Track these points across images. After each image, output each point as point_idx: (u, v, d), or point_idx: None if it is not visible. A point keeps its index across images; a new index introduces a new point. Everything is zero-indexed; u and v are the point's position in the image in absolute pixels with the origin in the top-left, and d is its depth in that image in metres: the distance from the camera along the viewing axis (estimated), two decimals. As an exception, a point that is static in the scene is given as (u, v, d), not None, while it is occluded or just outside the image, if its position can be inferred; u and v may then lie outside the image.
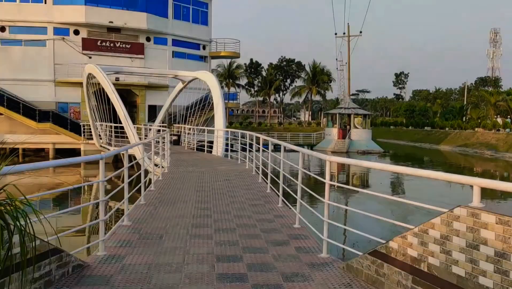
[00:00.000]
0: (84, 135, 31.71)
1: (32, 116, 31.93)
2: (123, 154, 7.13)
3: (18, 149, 33.38)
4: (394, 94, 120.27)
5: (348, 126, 46.67)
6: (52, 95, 33.93)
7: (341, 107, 48.25)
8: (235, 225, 6.68)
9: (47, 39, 33.54)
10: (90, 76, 24.71)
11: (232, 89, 71.90)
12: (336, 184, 6.21)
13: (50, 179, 26.72)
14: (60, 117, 33.04)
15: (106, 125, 26.12)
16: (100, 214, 5.16)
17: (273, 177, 9.54)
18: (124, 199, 6.62)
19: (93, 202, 8.72)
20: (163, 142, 14.60)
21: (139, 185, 8.23)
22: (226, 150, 19.14)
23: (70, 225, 11.08)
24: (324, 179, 5.41)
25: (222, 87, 73.98)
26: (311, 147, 49.26)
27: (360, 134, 45.61)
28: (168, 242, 5.68)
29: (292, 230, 6.51)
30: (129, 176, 6.77)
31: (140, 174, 8.49)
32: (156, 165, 15.37)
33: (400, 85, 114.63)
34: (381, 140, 60.85)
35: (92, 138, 30.14)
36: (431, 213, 3.87)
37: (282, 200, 8.28)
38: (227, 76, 76.75)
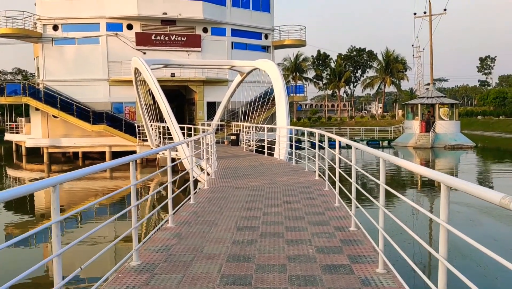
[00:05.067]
0: (139, 137, 29.51)
1: (87, 118, 30.28)
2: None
3: (78, 152, 32.15)
4: (478, 80, 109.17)
5: (431, 118, 40.80)
6: (107, 95, 32.14)
7: (423, 97, 42.32)
8: None
9: (100, 36, 31.73)
10: (137, 72, 22.08)
11: (299, 83, 67.72)
12: (390, 189, 4.18)
13: (106, 184, 24.79)
14: (115, 119, 31.14)
15: (156, 125, 23.49)
16: None
17: (357, 205, 5.70)
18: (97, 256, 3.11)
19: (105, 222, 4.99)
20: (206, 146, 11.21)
21: (151, 213, 4.70)
22: (291, 148, 15.41)
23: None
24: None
25: (288, 81, 70.58)
26: (389, 142, 44.01)
27: (447, 127, 39.57)
28: None
29: None
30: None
31: (187, 181, 5.00)
32: (202, 170, 12.05)
33: (486, 71, 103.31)
34: (467, 132, 53.72)
35: (147, 140, 27.81)
36: None
37: (383, 260, 4.40)
38: (294, 70, 72.76)
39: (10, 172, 31.05)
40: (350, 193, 6.03)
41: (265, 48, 37.89)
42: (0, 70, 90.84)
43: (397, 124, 55.67)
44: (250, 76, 26.17)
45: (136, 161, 4.80)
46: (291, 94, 37.83)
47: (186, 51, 33.01)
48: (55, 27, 31.74)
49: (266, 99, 27.55)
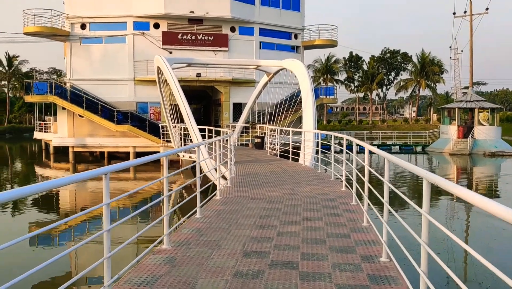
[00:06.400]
0: (163, 137, 28.92)
1: (111, 118, 29.94)
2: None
3: (104, 152, 31.90)
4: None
5: (470, 123, 38.65)
6: (132, 95, 31.77)
7: (462, 100, 40.15)
8: None
9: (127, 34, 31.38)
10: (160, 71, 21.40)
11: (330, 85, 66.09)
12: (439, 224, 2.76)
13: (128, 186, 24.28)
14: (139, 119, 30.68)
15: (176, 126, 22.76)
16: None
17: (390, 231, 4.58)
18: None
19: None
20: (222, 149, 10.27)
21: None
22: (318, 154, 14.27)
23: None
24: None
25: (319, 83, 69.02)
26: (423, 147, 42.00)
27: (487, 133, 37.34)
28: None
29: None
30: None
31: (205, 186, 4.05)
32: (223, 177, 11.15)
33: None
34: (508, 138, 50.87)
35: (171, 141, 27.19)
36: None
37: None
38: (325, 72, 71.18)
39: (38, 170, 31.17)
40: (381, 212, 4.95)
41: (294, 49, 36.73)
42: (37, 69, 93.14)
43: (431, 129, 53.42)
44: (277, 77, 25.13)
45: (106, 173, 3.84)
46: (321, 96, 36.57)
47: (213, 50, 32.27)
48: (83, 26, 31.63)
49: (293, 101, 26.45)
